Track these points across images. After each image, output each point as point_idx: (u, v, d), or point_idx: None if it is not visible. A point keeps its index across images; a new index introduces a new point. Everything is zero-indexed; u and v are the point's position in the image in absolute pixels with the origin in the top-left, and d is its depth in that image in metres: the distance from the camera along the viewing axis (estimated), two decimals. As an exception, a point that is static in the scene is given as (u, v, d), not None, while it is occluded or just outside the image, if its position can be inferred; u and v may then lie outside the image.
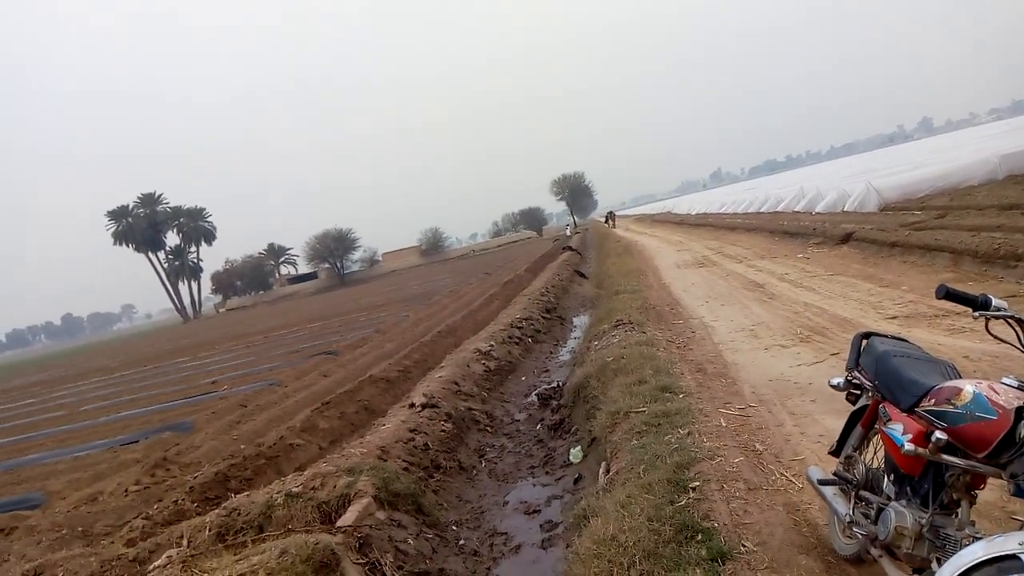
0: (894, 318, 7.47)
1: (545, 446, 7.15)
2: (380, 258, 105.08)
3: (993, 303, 2.13)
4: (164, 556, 4.47)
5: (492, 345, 11.26)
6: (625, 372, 6.84)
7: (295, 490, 5.10)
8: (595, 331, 10.28)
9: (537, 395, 8.96)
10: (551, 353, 12.39)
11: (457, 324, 15.45)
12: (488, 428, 8.07)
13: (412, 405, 7.78)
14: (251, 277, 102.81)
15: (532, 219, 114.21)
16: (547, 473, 6.42)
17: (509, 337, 12.26)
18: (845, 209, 19.75)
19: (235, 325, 45.93)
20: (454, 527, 5.41)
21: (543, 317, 14.83)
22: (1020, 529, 1.93)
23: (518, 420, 8.45)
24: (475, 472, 6.75)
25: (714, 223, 31.85)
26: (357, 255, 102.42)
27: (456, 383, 8.91)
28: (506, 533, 5.32)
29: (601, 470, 5.22)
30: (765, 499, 3.79)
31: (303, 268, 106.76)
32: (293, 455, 7.81)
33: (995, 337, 2.17)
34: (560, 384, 9.06)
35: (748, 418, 5.21)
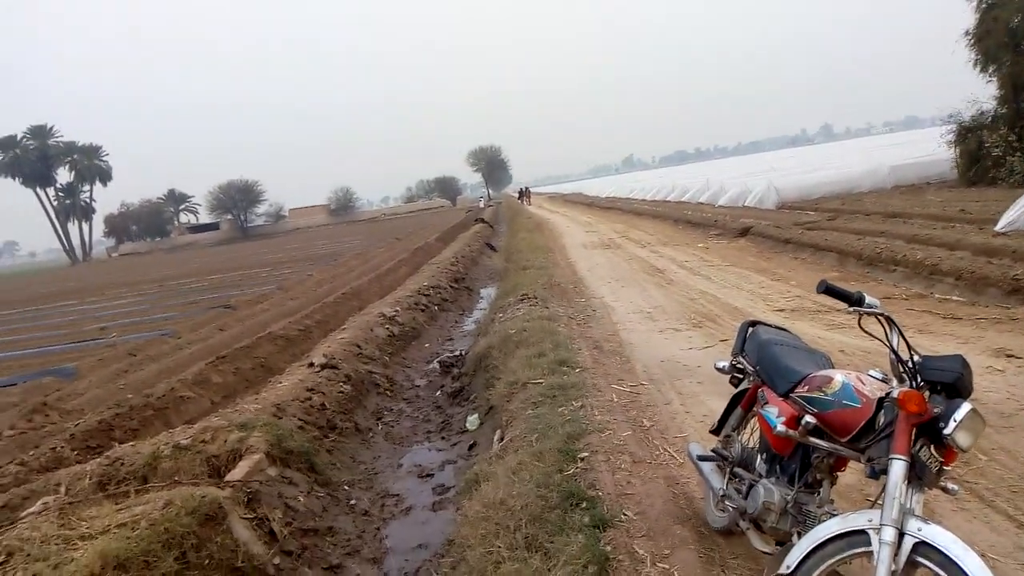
0: (781, 310, 7.93)
1: (443, 412, 7.22)
2: (286, 214, 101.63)
3: (867, 300, 2.31)
4: (39, 503, 4.26)
5: (397, 310, 11.19)
6: (526, 344, 6.96)
7: (184, 442, 4.95)
8: (500, 303, 10.38)
9: (439, 362, 8.99)
10: (456, 322, 12.43)
11: (363, 287, 15.21)
12: (388, 392, 8.05)
13: (311, 364, 7.66)
14: (148, 222, 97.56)
15: (447, 188, 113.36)
16: (443, 439, 6.49)
17: (415, 304, 12.20)
18: (746, 204, 20.63)
19: (128, 271, 43.60)
20: (346, 487, 5.40)
21: (451, 286, 14.81)
22: (871, 508, 2.15)
23: (418, 386, 8.47)
24: (371, 434, 6.73)
25: (623, 207, 32.66)
26: (262, 209, 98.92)
27: (358, 345, 8.82)
28: (398, 495, 5.37)
29: (496, 437, 5.33)
30: (648, 472, 3.98)
31: (205, 218, 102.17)
32: (183, 408, 7.56)
33: (865, 332, 2.35)
34: (463, 353, 9.12)
35: (638, 395, 5.43)
